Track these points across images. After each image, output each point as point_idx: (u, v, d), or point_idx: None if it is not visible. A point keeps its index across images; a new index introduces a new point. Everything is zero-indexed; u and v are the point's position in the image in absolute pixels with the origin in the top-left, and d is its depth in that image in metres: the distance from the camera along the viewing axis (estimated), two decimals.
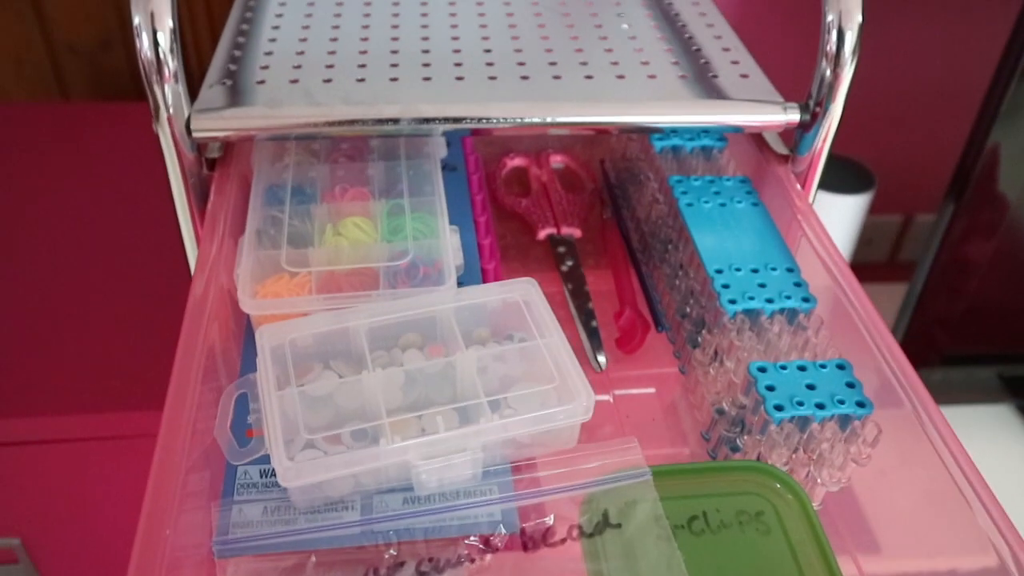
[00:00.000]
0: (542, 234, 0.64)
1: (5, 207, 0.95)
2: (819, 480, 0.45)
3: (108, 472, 0.73)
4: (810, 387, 0.46)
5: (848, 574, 0.42)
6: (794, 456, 0.45)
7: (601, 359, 0.55)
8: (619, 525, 0.41)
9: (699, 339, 0.53)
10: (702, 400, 0.52)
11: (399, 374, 0.45)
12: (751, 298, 0.50)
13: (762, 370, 0.47)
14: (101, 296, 0.83)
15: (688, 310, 0.55)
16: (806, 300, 0.51)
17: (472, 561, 0.41)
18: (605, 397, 0.58)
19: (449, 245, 0.51)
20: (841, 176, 1.34)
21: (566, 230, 0.64)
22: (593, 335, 0.56)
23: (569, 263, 0.61)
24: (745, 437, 0.47)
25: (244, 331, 0.51)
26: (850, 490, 0.47)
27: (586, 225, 0.65)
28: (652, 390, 0.59)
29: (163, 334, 0.74)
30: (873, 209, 1.38)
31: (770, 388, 0.46)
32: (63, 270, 0.85)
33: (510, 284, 0.48)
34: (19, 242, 0.90)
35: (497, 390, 0.45)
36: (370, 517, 0.41)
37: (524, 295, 0.48)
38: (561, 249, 0.62)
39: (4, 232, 0.91)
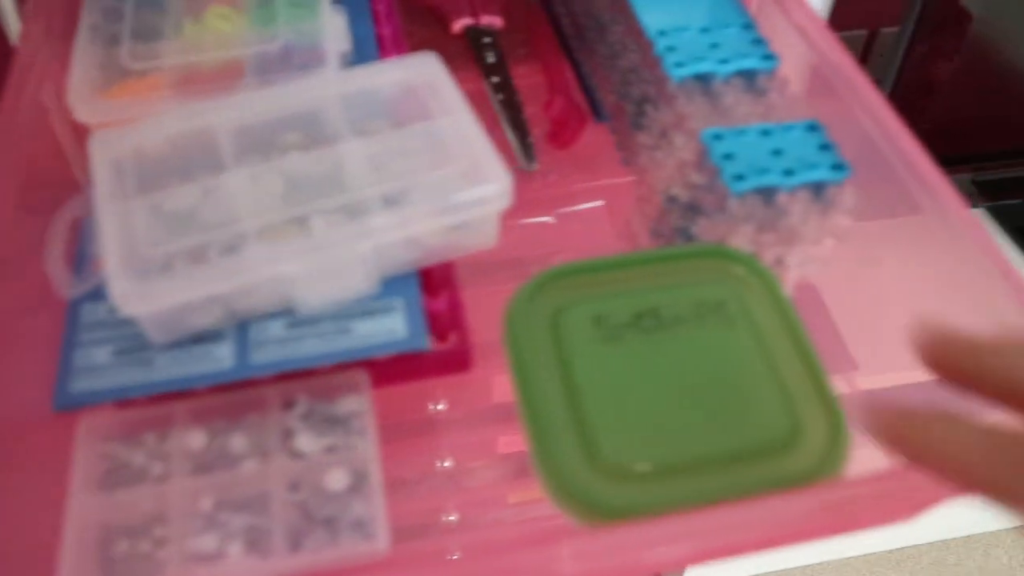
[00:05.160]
0: (458, 25, 0.54)
1: None
2: (791, 262, 0.38)
3: None
4: (775, 153, 0.38)
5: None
6: (760, 237, 0.38)
7: (533, 163, 0.47)
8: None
9: (643, 121, 0.44)
10: (651, 192, 0.44)
11: (276, 179, 0.37)
12: (701, 59, 0.42)
13: (717, 137, 0.39)
14: None
15: (629, 89, 0.46)
16: (767, 58, 0.42)
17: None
18: (545, 219, 0.50)
19: (329, 25, 0.42)
20: None
21: (485, 19, 0.54)
22: (521, 132, 0.48)
23: (492, 58, 0.52)
24: (701, 221, 0.39)
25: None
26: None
27: (509, 13, 0.55)
28: (601, 202, 0.51)
29: None
30: (838, 25, 1.27)
31: (728, 156, 0.38)
32: None
33: (405, 62, 0.39)
34: None
35: (397, 186, 0.36)
36: (245, 347, 0.33)
37: (426, 75, 0.39)
38: (483, 41, 0.53)
39: None
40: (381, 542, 0.31)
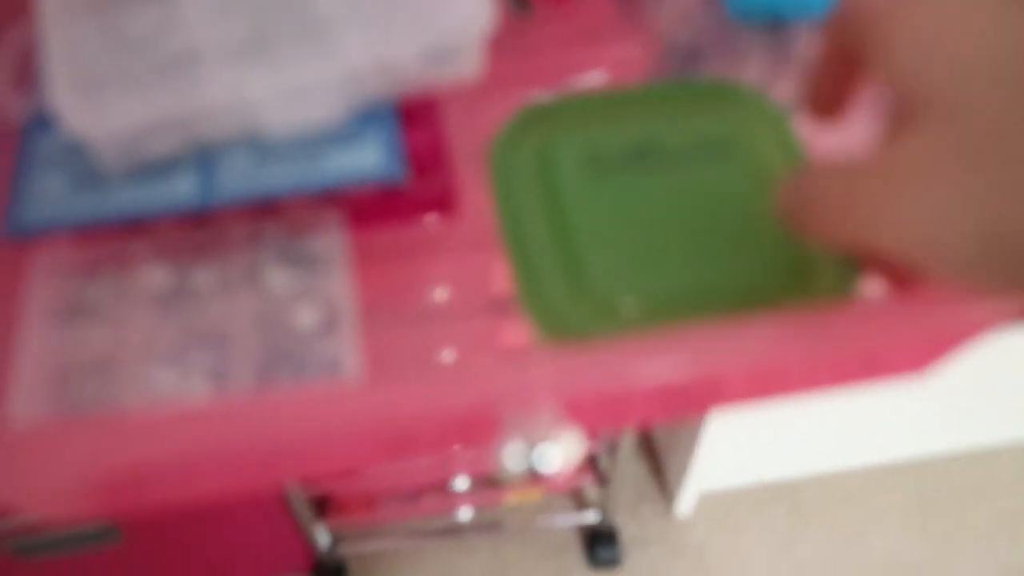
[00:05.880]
0: None
1: None
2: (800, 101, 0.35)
3: None
4: None
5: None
6: (771, 73, 0.35)
7: (528, 7, 0.44)
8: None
9: None
10: (652, 41, 0.41)
11: (242, 4, 0.34)
12: None
13: None
14: None
15: None
16: None
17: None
18: (545, 93, 0.47)
19: None
20: None
21: None
22: None
23: None
24: (706, 64, 0.36)
25: None
26: None
27: None
28: (603, 74, 0.48)
29: None
30: None
31: None
32: None
33: None
34: None
35: (371, 11, 0.33)
36: (210, 177, 0.31)
37: None
38: None
39: None
40: (351, 378, 0.29)
